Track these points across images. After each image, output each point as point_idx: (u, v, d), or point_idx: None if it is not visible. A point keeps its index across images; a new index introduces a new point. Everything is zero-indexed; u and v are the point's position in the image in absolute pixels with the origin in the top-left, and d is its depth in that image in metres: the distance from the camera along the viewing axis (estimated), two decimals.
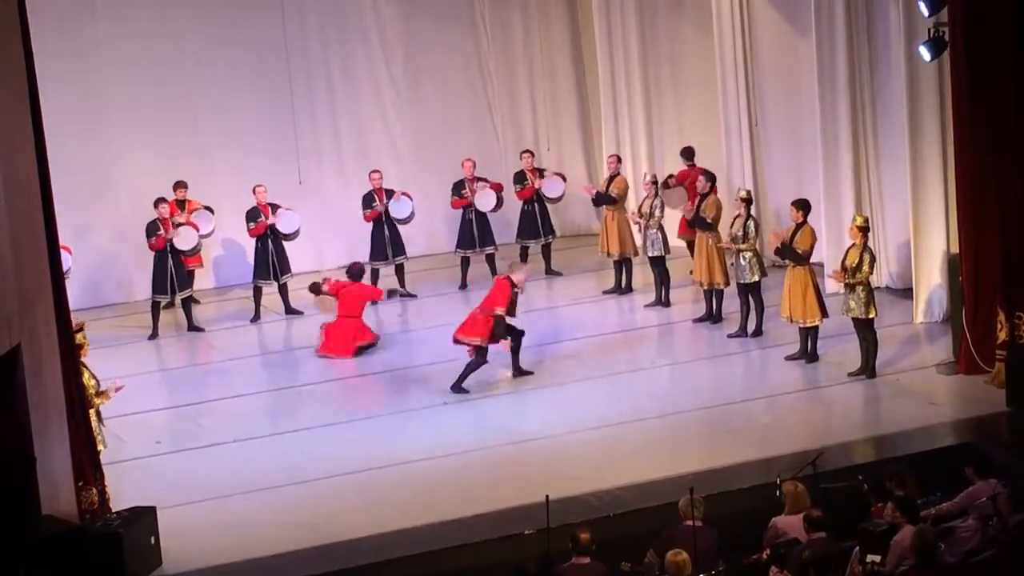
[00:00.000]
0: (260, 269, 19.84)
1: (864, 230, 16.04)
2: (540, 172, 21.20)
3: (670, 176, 20.94)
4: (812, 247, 16.66)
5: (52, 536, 12.06)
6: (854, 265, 15.90)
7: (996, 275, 15.67)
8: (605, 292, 20.14)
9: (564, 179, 21.33)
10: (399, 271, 20.37)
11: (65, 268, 16.59)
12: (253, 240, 19.88)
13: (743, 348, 17.56)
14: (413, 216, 20.60)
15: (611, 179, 20.26)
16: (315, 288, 18.82)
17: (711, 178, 18.55)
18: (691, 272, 19.19)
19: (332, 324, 18.29)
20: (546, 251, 21.21)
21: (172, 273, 19.25)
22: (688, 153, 20.76)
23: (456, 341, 16.71)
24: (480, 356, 16.55)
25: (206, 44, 21.32)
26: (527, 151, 21.35)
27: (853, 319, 16.12)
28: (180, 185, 20.08)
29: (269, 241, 19.76)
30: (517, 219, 21.22)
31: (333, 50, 22.08)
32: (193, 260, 20.04)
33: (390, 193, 20.40)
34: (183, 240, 19.28)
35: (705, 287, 18.37)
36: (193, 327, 19.51)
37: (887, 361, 16.44)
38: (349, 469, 14.56)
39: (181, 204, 19.91)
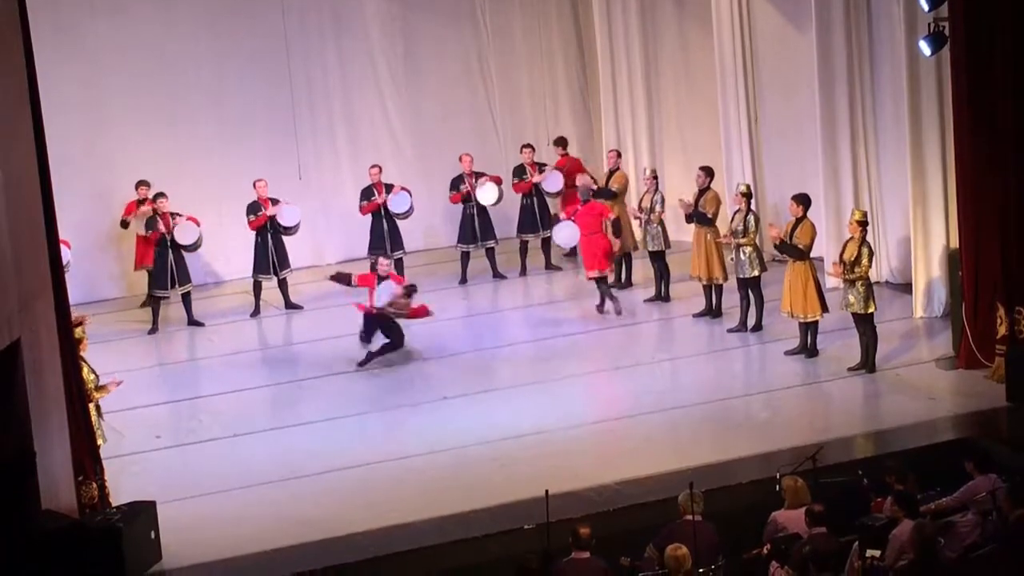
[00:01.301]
0: (260, 264, 19.84)
1: (863, 224, 16.04)
2: (540, 167, 21.20)
3: (545, 166, 20.97)
4: (812, 241, 16.66)
5: (52, 531, 12.06)
6: (852, 259, 15.90)
7: (996, 270, 15.66)
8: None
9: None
10: (398, 265, 20.36)
11: (64, 262, 16.60)
12: (252, 235, 19.87)
13: (743, 343, 17.56)
14: (412, 211, 20.58)
15: (611, 174, 20.26)
16: (344, 278, 18.07)
17: (709, 173, 18.55)
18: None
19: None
20: (546, 245, 21.21)
21: (172, 268, 19.25)
22: (561, 142, 20.83)
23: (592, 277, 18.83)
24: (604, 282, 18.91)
25: (206, 40, 21.33)
26: (528, 145, 21.35)
27: (852, 314, 16.13)
28: (142, 184, 19.94)
29: (269, 236, 19.76)
30: (517, 213, 21.21)
31: (333, 45, 22.08)
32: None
33: (389, 188, 20.40)
34: (184, 234, 19.27)
35: (704, 282, 18.37)
36: (193, 322, 19.52)
37: (887, 356, 16.44)
38: (348, 464, 14.57)
39: (141, 203, 19.85)
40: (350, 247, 21.58)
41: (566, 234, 19.26)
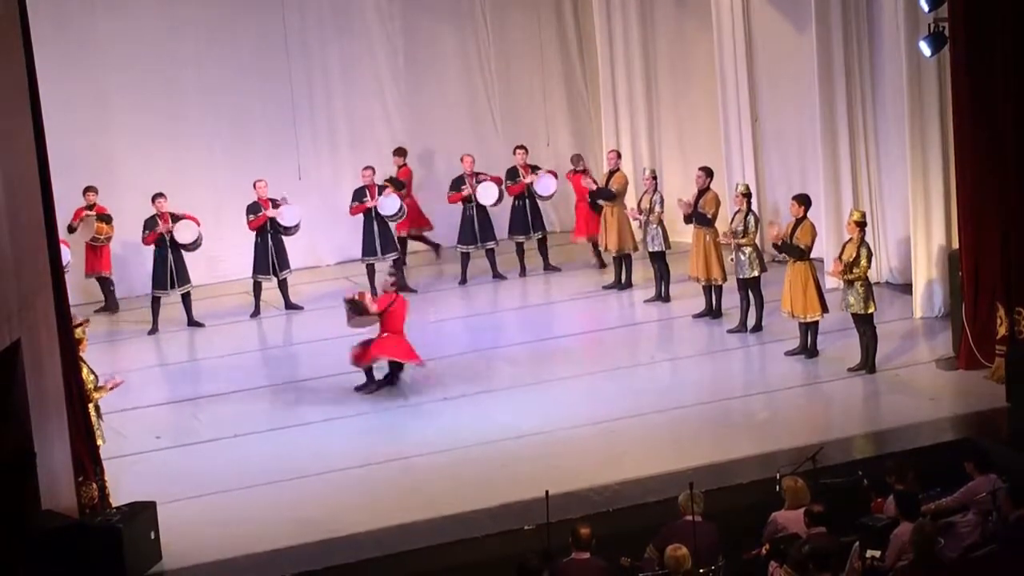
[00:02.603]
0: (260, 264, 19.82)
1: (861, 225, 16.03)
2: (534, 169, 21.16)
3: (391, 178, 20.91)
4: (813, 242, 16.66)
5: (52, 531, 12.06)
6: (851, 260, 15.89)
7: (996, 270, 15.66)
8: (605, 287, 20.13)
9: (557, 176, 21.29)
10: (395, 266, 20.33)
11: (64, 262, 16.65)
12: (252, 235, 19.87)
13: (743, 343, 17.56)
14: (401, 214, 20.48)
15: (611, 174, 20.25)
16: (358, 307, 16.58)
17: (709, 173, 18.55)
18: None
19: (383, 339, 16.53)
20: (542, 247, 21.20)
21: (172, 268, 19.24)
22: (400, 152, 20.90)
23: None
24: None
25: (206, 39, 21.32)
26: (520, 147, 21.30)
27: (852, 314, 16.12)
28: (90, 189, 19.78)
29: (269, 236, 19.75)
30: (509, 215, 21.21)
31: (333, 45, 22.08)
32: (103, 265, 19.85)
33: (383, 189, 20.36)
34: (183, 233, 19.26)
35: (702, 283, 18.36)
36: (193, 322, 19.51)
37: (887, 356, 16.44)
38: (349, 464, 14.58)
39: (90, 208, 19.83)
40: (349, 248, 21.52)
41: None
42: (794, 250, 16.57)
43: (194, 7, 21.15)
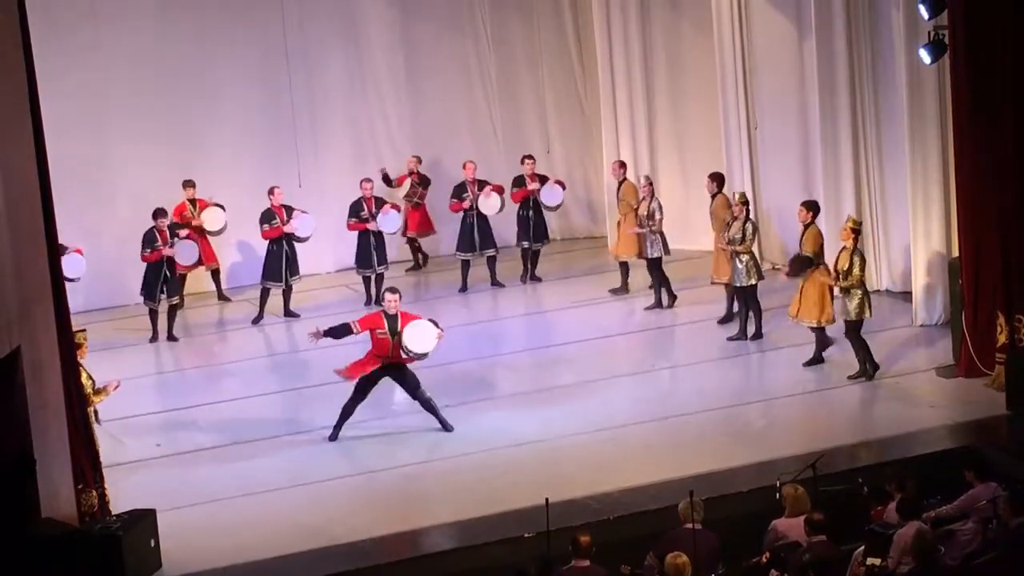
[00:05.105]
0: (272, 271, 19.79)
1: (856, 232, 16.00)
2: (542, 179, 21.13)
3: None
4: (819, 248, 16.58)
5: (51, 538, 12.07)
6: (844, 268, 15.86)
7: (996, 278, 15.66)
8: (611, 291, 20.08)
9: (564, 187, 21.27)
10: (379, 281, 20.24)
11: (79, 274, 16.92)
12: (251, 242, 19.93)
13: (743, 351, 17.55)
14: (400, 230, 20.51)
15: (620, 185, 20.24)
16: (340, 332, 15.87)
17: (717, 180, 18.57)
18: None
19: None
20: (534, 256, 21.12)
21: (165, 279, 19.16)
22: (190, 184, 20.47)
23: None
24: None
25: (207, 46, 21.31)
26: (529, 156, 21.26)
27: (845, 321, 16.09)
28: (188, 184, 20.03)
29: (284, 243, 19.73)
30: (515, 223, 21.19)
31: (333, 53, 22.06)
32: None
33: (380, 203, 20.32)
34: (185, 256, 19.30)
35: (724, 283, 18.25)
36: (172, 337, 19.32)
37: (887, 364, 16.43)
38: (349, 472, 14.59)
39: (192, 203, 20.12)
40: (349, 256, 21.50)
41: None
42: (803, 260, 16.48)
43: (194, 15, 21.14)
